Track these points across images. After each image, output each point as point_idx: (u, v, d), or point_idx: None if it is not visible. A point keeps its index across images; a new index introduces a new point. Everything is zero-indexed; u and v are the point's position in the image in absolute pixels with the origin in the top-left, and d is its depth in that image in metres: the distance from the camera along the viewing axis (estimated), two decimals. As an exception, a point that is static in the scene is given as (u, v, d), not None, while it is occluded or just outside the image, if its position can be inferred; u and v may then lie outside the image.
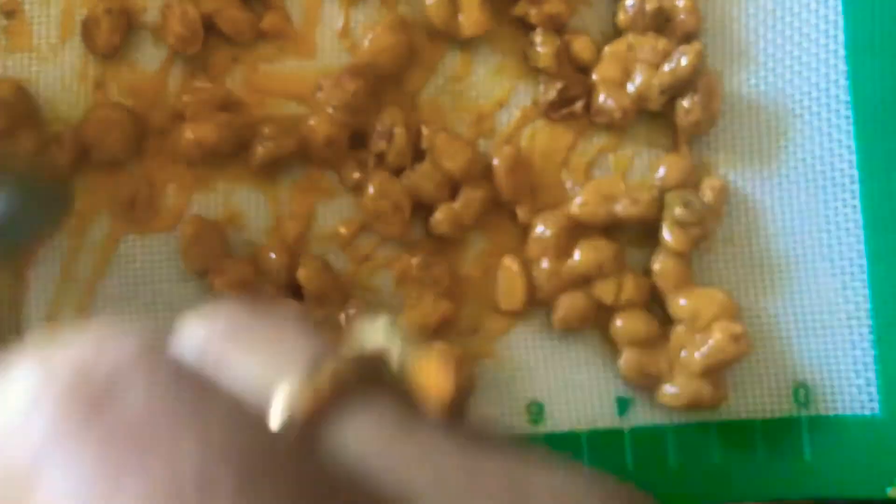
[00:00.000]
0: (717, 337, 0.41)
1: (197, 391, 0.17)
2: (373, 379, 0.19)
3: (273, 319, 0.20)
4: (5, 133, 0.41)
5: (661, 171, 0.42)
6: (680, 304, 0.42)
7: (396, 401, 0.18)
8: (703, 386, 0.41)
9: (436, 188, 0.42)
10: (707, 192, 0.42)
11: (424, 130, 0.42)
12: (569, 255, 0.42)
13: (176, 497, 0.15)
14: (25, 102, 0.42)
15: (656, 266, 0.42)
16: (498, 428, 0.21)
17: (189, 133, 0.42)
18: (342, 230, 0.43)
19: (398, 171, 0.43)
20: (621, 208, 0.42)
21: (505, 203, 0.43)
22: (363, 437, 0.17)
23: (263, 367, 0.18)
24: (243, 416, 0.17)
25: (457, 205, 0.42)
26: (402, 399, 0.19)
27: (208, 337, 0.19)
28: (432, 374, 0.19)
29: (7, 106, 0.42)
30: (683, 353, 0.41)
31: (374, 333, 0.20)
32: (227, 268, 0.42)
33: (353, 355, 0.19)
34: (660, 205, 0.42)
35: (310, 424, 0.17)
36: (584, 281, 0.42)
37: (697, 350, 0.41)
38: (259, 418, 0.17)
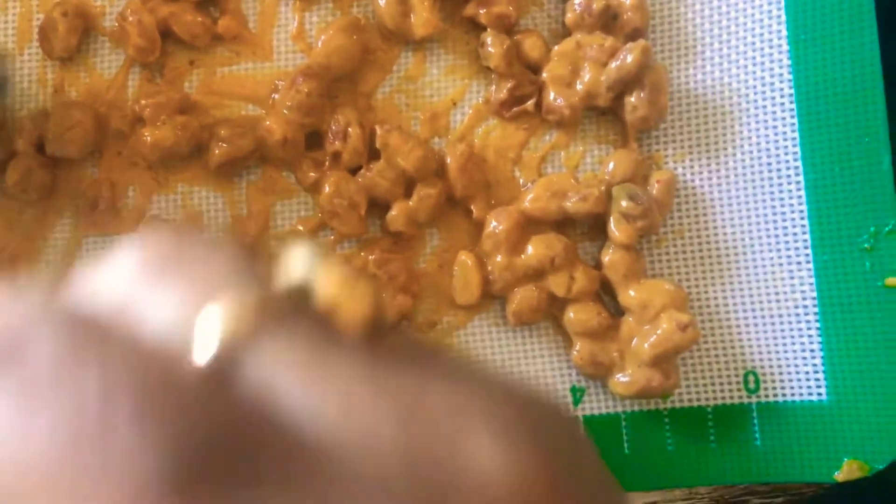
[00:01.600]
0: (664, 326, 0.42)
1: (98, 335, 0.18)
2: (296, 309, 0.19)
3: (201, 249, 0.20)
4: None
5: (610, 166, 0.43)
6: (630, 295, 0.43)
7: (314, 327, 0.19)
8: (653, 375, 0.42)
9: (391, 186, 0.43)
10: (655, 185, 0.43)
11: (378, 129, 0.43)
12: (521, 250, 0.43)
13: (79, 424, 0.17)
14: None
15: (606, 258, 0.43)
16: (416, 340, 0.22)
17: (147, 135, 0.43)
18: (300, 228, 0.44)
19: (354, 171, 0.44)
20: (571, 204, 0.43)
21: (459, 200, 0.44)
22: (277, 365, 0.18)
23: (186, 299, 0.19)
24: (148, 351, 0.18)
25: (411, 202, 0.43)
26: (320, 325, 0.19)
27: (118, 278, 0.20)
28: (346, 296, 0.19)
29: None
30: (634, 343, 0.42)
31: (297, 262, 0.20)
32: None
33: (278, 285, 0.20)
34: (609, 199, 0.43)
35: (227, 354, 0.18)
36: (536, 274, 0.43)
37: (646, 340, 0.42)
38: (167, 351, 0.18)
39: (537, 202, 0.43)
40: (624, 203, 0.42)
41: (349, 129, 0.43)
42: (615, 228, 0.42)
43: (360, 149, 0.43)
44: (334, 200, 0.43)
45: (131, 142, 0.44)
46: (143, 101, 0.43)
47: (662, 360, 0.42)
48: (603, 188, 0.42)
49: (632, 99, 0.43)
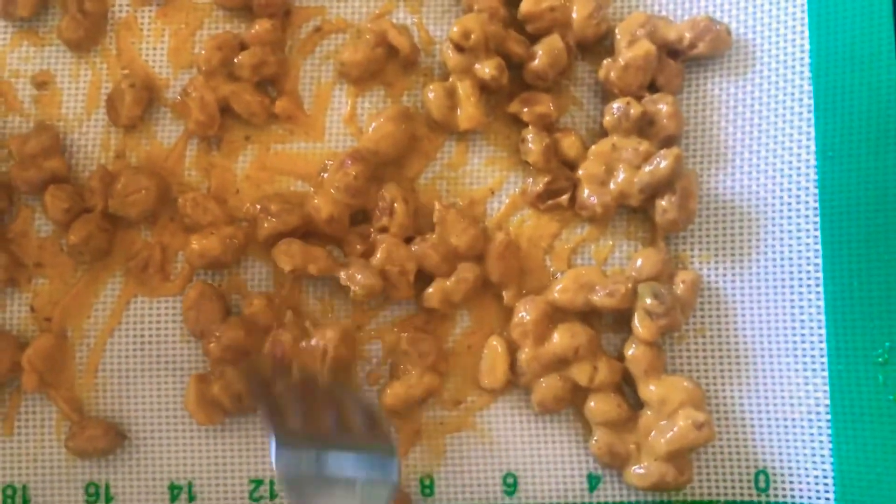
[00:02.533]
0: (681, 424, 0.43)
1: None
2: None
3: None
4: (43, 181, 0.45)
5: (638, 263, 0.45)
6: (650, 389, 0.44)
7: None
8: (667, 469, 0.44)
9: (440, 261, 0.45)
10: (679, 285, 0.45)
11: (437, 205, 0.45)
12: (548, 338, 0.45)
13: None
14: (59, 155, 0.46)
15: (629, 352, 0.45)
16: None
17: (195, 244, 0.45)
18: (357, 290, 0.45)
19: (407, 241, 0.46)
20: (598, 298, 0.44)
21: (493, 285, 0.46)
22: None
23: None
24: None
25: (449, 282, 0.45)
26: None
27: None
28: None
29: (44, 151, 0.45)
30: (651, 437, 0.44)
31: None
32: (221, 333, 0.44)
33: None
34: (634, 295, 0.44)
35: None
36: (561, 363, 0.45)
37: (663, 435, 0.43)
38: None
39: (565, 293, 0.45)
40: (649, 301, 0.44)
41: (395, 205, 0.45)
42: (639, 325, 0.44)
43: (405, 224, 0.45)
44: (386, 267, 0.45)
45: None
46: (188, 209, 0.45)
47: (677, 455, 0.44)
48: (630, 285, 0.44)
49: (663, 202, 0.45)
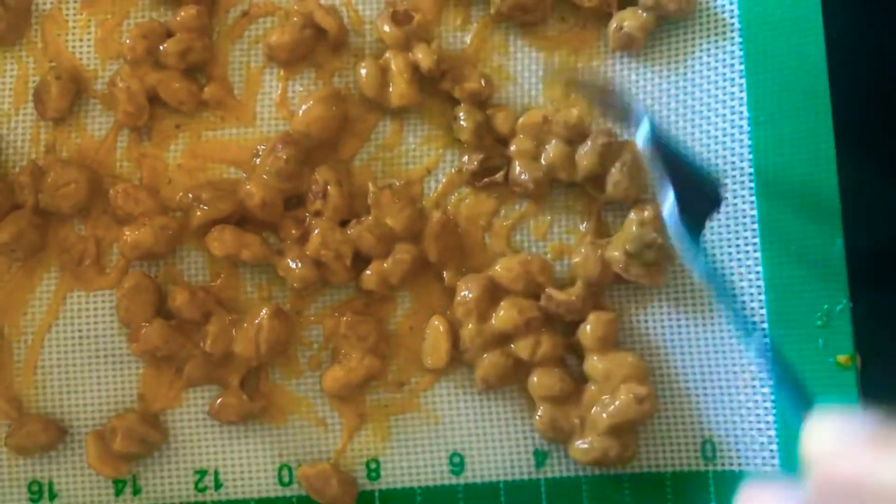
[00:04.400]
0: (623, 398, 0.43)
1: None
2: None
3: None
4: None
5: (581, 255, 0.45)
6: (594, 363, 0.44)
7: None
8: (611, 444, 0.43)
9: (376, 243, 0.45)
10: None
11: (371, 187, 0.45)
12: (491, 315, 0.45)
13: None
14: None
15: (585, 325, 0.44)
16: None
17: (127, 235, 0.44)
18: (295, 286, 0.45)
19: (343, 224, 0.45)
20: (545, 301, 0.44)
21: (432, 265, 0.46)
22: None
23: None
24: None
25: (386, 264, 0.45)
26: None
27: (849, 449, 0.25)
28: None
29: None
30: (594, 411, 0.44)
31: None
32: (144, 333, 0.44)
33: None
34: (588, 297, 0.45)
35: None
36: (505, 339, 0.45)
37: (605, 409, 0.43)
38: None
39: (509, 273, 0.45)
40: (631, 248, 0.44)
41: (329, 188, 0.45)
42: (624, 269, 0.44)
43: (340, 206, 0.45)
44: (321, 251, 0.44)
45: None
46: (119, 201, 0.45)
47: (620, 430, 0.43)
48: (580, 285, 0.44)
49: (614, 171, 0.44)
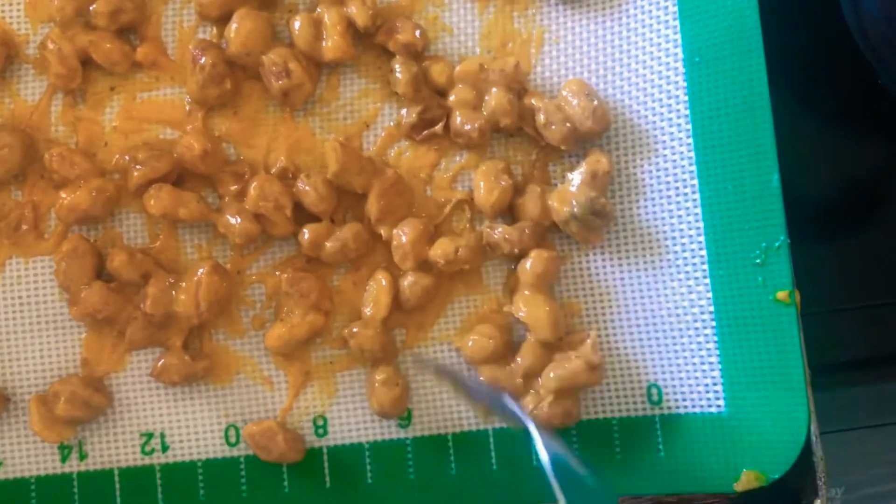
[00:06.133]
0: (574, 362, 0.43)
1: None
2: None
3: None
4: None
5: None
6: (519, 301, 0.44)
7: None
8: (556, 409, 0.43)
9: (320, 200, 0.44)
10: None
11: (333, 141, 0.44)
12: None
13: None
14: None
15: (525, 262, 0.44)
16: None
17: (63, 197, 0.44)
18: (235, 238, 0.45)
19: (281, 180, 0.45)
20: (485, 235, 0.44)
21: (374, 224, 0.45)
22: None
23: None
24: None
25: (329, 242, 0.44)
26: None
27: None
28: None
29: None
30: (543, 374, 0.44)
31: None
32: (84, 296, 0.44)
33: None
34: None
35: None
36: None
37: (553, 371, 0.43)
38: None
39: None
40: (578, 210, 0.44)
41: (289, 66, 0.44)
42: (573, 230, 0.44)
43: (306, 83, 0.44)
44: (260, 203, 0.44)
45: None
46: (55, 164, 0.44)
47: (566, 394, 0.43)
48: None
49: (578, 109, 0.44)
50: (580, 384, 0.44)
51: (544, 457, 0.38)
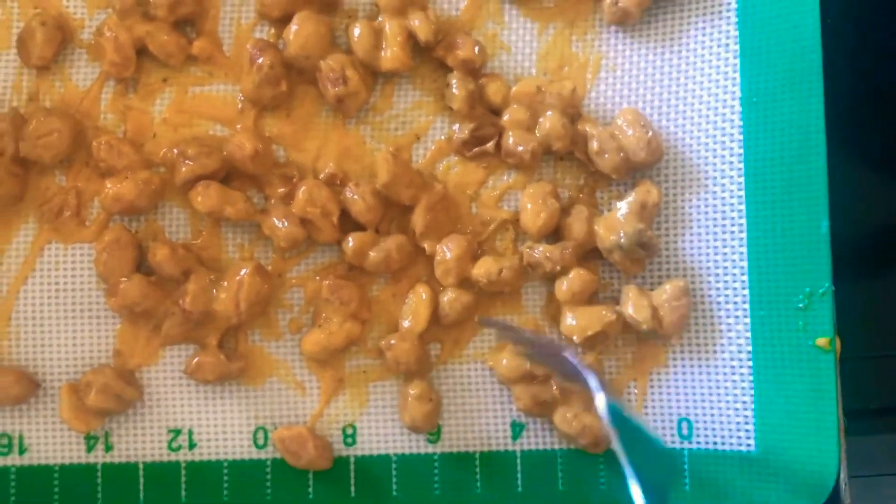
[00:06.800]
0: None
1: None
2: None
3: None
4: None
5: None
6: (568, 317, 0.44)
7: None
8: (593, 420, 0.44)
9: (367, 210, 0.44)
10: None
11: (384, 150, 0.45)
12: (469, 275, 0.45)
13: None
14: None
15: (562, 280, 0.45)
16: None
17: (109, 187, 0.44)
18: (283, 245, 0.45)
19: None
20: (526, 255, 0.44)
21: (419, 237, 0.45)
22: None
23: None
24: None
25: (373, 252, 0.44)
26: None
27: None
28: None
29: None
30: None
31: None
32: (123, 287, 0.43)
33: None
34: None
35: None
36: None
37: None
38: None
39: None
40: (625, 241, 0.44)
41: (346, 73, 0.44)
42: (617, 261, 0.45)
43: (362, 91, 0.44)
44: (308, 209, 0.44)
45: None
46: (102, 154, 0.44)
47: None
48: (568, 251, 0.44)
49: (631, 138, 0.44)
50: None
51: (602, 406, 0.38)
